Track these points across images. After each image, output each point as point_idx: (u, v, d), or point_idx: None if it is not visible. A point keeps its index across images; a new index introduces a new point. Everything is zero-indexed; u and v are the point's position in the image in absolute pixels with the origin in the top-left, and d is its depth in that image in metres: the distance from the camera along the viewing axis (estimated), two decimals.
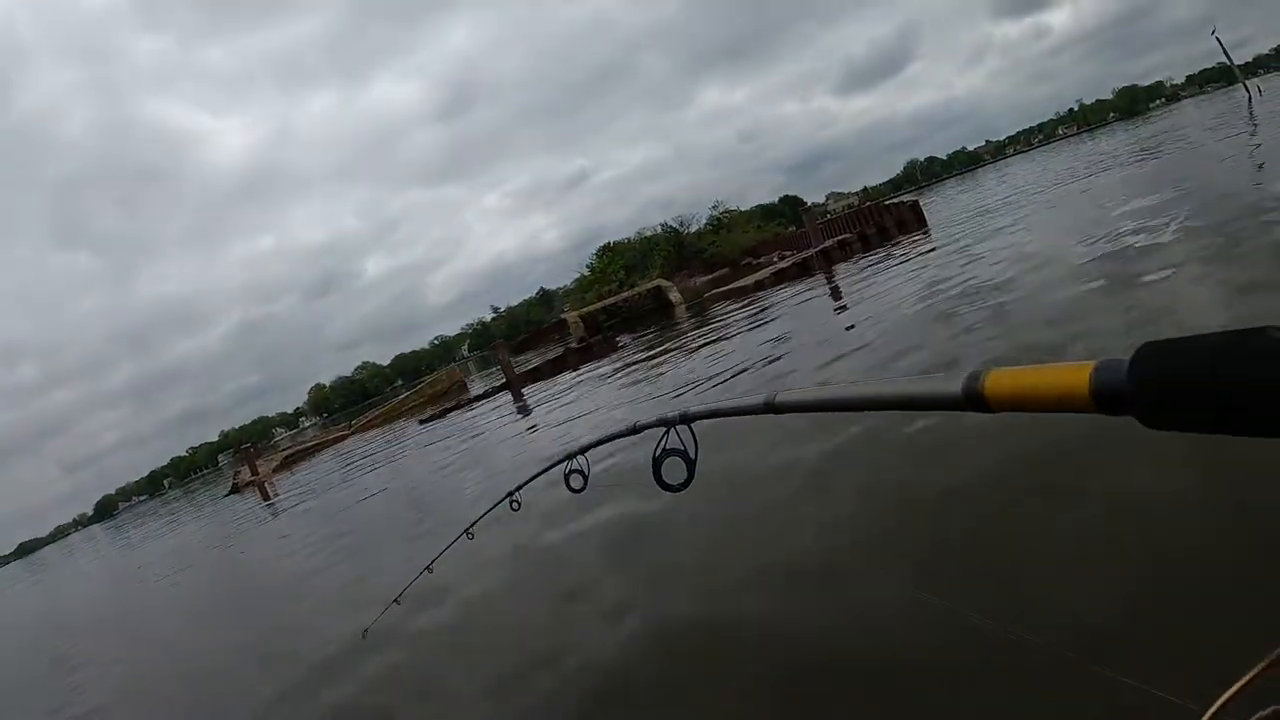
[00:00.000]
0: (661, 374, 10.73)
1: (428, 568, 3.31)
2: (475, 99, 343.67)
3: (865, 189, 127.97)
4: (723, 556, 3.57)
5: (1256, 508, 2.27)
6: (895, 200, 29.17)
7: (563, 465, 1.73)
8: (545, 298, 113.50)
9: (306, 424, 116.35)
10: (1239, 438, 0.36)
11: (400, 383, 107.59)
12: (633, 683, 2.79)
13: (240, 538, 12.83)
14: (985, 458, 3.36)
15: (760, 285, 20.66)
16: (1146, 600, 2.08)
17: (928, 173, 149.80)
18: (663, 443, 1.18)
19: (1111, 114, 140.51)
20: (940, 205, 31.41)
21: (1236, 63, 39.46)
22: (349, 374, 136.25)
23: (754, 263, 31.95)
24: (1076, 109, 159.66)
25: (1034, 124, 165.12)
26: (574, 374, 16.39)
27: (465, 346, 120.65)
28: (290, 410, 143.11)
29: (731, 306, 18.02)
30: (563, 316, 35.95)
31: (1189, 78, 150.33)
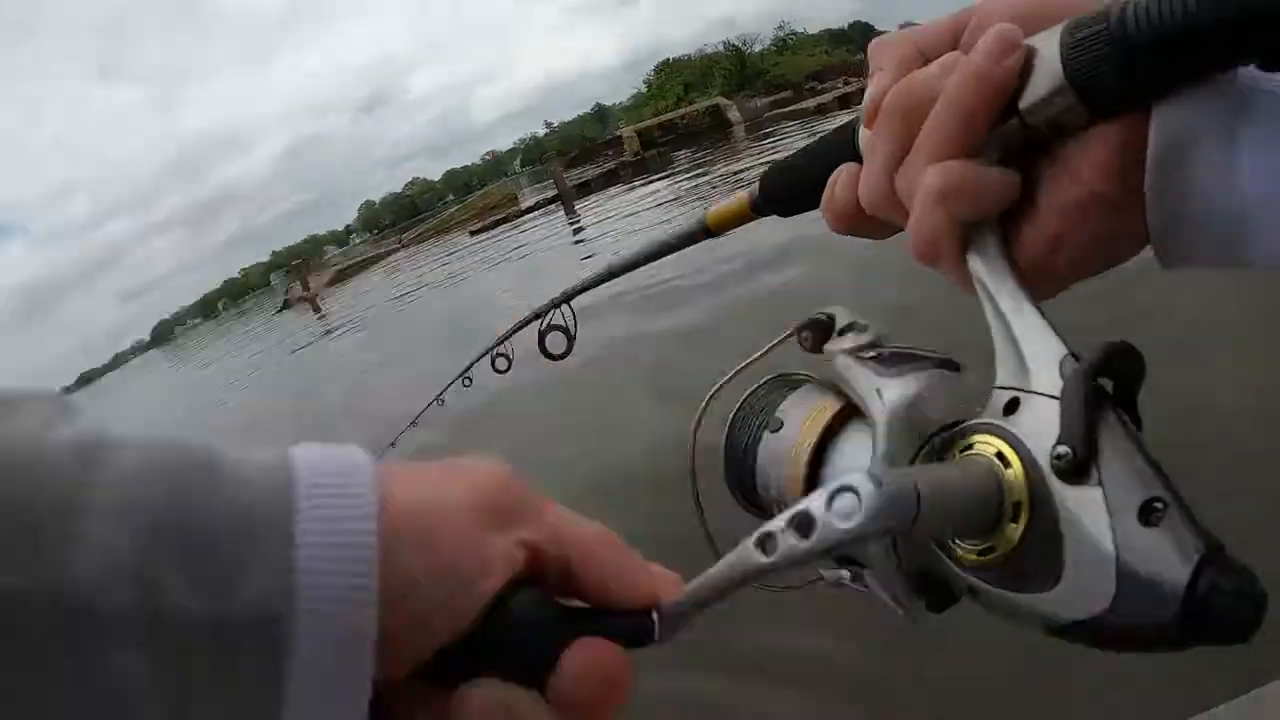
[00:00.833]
0: (714, 188, 10.56)
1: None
2: None
3: None
4: None
5: None
6: None
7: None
8: (600, 114, 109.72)
9: (357, 240, 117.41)
10: None
11: (451, 198, 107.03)
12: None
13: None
14: None
15: (823, 109, 19.83)
16: None
17: None
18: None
19: None
20: None
21: None
22: (399, 190, 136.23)
23: (818, 87, 30.35)
24: None
25: None
26: (626, 188, 16.20)
27: (518, 161, 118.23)
28: (340, 228, 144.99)
29: (792, 126, 17.31)
30: (618, 132, 34.99)
31: None
